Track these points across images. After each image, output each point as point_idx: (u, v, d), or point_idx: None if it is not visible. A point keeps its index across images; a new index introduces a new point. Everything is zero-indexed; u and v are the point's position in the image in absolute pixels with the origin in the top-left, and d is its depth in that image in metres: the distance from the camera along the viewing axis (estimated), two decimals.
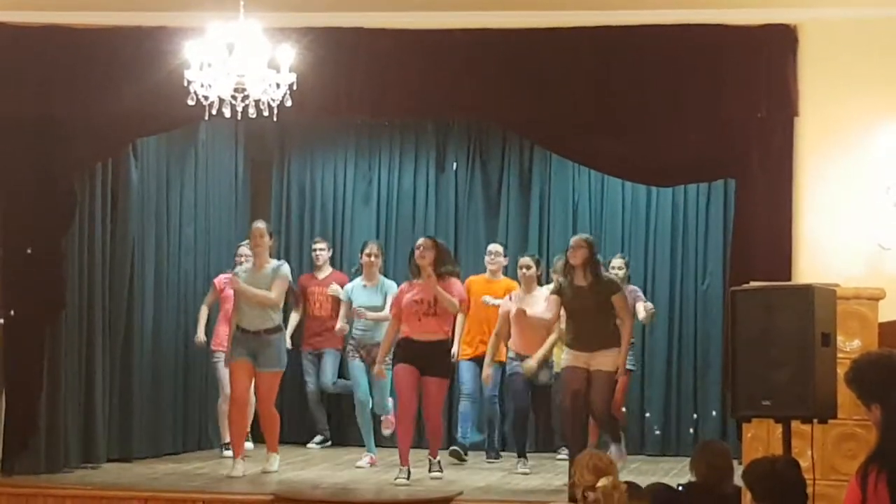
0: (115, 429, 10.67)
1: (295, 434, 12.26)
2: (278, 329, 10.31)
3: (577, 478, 6.52)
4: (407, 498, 9.09)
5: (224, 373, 10.83)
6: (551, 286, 10.44)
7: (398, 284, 10.74)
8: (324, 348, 12.16)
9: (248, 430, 11.01)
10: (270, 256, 10.32)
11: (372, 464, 10.83)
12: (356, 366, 11.24)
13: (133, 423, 10.88)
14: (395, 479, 9.77)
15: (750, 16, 8.99)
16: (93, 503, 8.94)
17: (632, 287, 11.42)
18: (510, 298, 10.84)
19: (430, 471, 10.11)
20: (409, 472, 9.83)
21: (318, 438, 12.41)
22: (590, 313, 9.59)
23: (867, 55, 8.85)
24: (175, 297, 11.59)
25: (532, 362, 10.46)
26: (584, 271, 9.62)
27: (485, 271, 11.65)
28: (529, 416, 11.14)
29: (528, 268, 10.91)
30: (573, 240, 9.90)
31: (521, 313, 10.39)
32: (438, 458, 10.19)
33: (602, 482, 6.22)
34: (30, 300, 9.57)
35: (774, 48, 8.96)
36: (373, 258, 11.26)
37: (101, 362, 10.37)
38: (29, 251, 9.60)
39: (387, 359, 10.37)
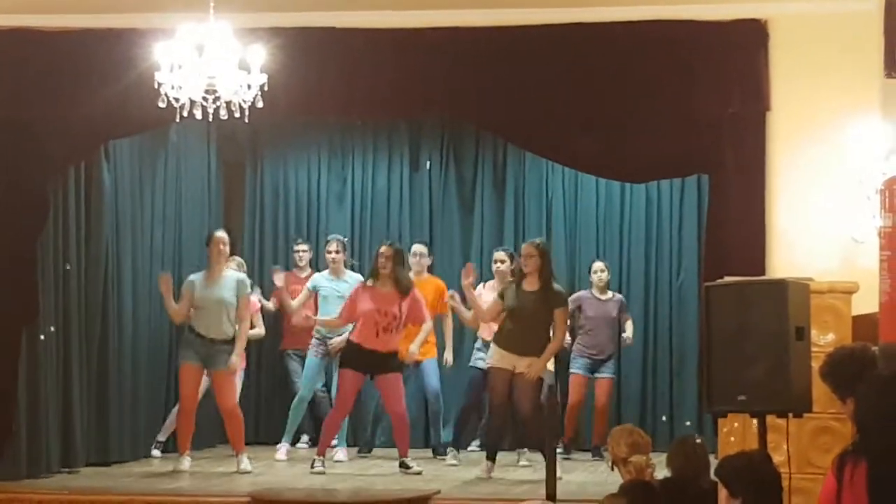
0: (93, 433, 10.61)
1: (273, 434, 12.21)
2: (232, 341, 10.40)
3: (613, 447, 6.64)
4: (384, 497, 9.06)
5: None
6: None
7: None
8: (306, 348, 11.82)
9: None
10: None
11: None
12: (315, 363, 11.19)
13: (111, 426, 10.81)
14: (313, 466, 10.10)
15: (721, 11, 9.01)
16: None
17: (619, 296, 11.61)
18: (484, 287, 10.92)
19: (405, 470, 10.12)
20: (324, 462, 10.13)
21: (305, 438, 12.24)
22: (529, 319, 9.81)
23: (838, 49, 8.87)
24: (150, 298, 11.47)
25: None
26: (535, 277, 9.83)
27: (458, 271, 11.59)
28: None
29: (503, 262, 10.95)
30: (525, 247, 10.08)
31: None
32: (410, 457, 10.26)
33: (635, 458, 6.39)
34: (3, 305, 9.50)
35: (745, 43, 8.98)
36: (333, 255, 11.23)
37: (78, 366, 10.31)
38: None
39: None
